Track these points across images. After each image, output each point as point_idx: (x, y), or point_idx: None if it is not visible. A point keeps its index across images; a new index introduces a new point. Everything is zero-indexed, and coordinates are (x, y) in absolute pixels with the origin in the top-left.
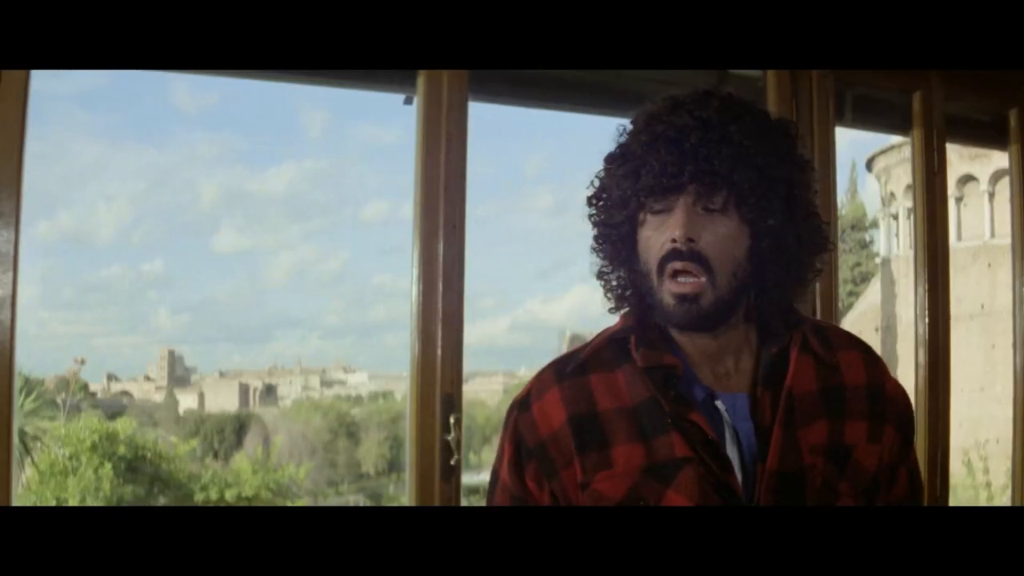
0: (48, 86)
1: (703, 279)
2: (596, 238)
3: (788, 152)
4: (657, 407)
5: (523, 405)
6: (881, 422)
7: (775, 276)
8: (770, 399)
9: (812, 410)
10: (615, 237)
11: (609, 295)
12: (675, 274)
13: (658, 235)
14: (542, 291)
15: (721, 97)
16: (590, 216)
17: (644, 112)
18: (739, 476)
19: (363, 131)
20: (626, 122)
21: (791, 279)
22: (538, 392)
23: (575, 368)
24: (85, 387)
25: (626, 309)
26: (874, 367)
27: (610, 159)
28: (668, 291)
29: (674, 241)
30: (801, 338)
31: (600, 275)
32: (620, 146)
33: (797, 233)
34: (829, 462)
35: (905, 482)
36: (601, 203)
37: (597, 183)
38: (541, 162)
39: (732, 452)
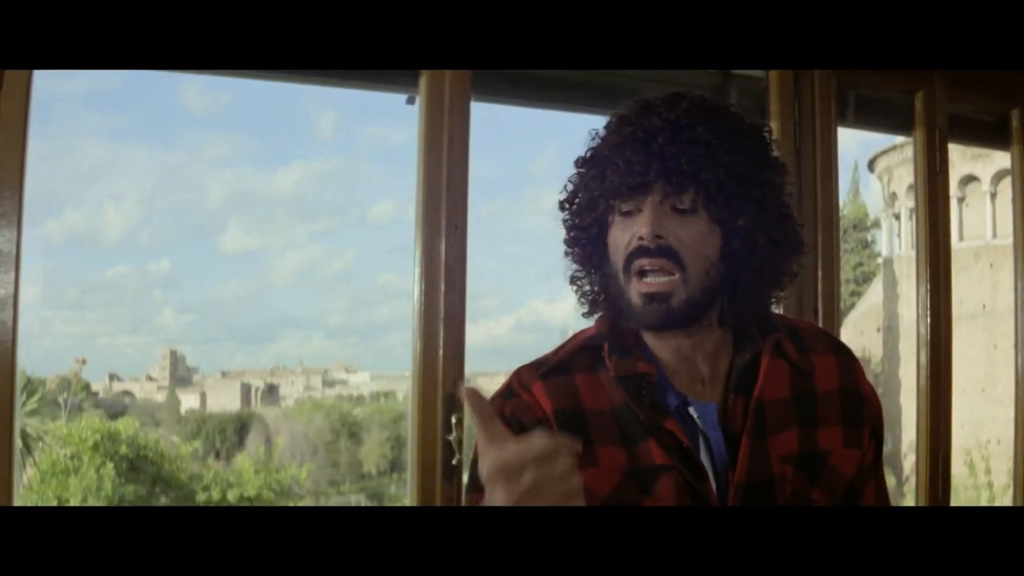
0: (58, 86)
1: (675, 276)
2: (567, 242)
3: (760, 153)
4: (633, 414)
5: (508, 393)
6: (859, 426)
7: (748, 277)
8: (741, 407)
9: (783, 418)
10: (585, 240)
11: (582, 300)
12: (643, 273)
13: (624, 233)
14: (546, 291)
15: (692, 99)
16: (563, 220)
17: (615, 115)
18: (713, 485)
19: (372, 132)
20: (599, 127)
21: (765, 281)
22: (521, 385)
23: (556, 367)
24: (87, 387)
25: (600, 314)
26: (849, 370)
27: (580, 162)
28: (636, 291)
29: (641, 239)
30: (775, 344)
31: (573, 280)
32: (590, 149)
33: (770, 234)
34: (799, 471)
35: (872, 497)
36: (572, 207)
37: (569, 187)
38: (547, 162)
39: (705, 461)
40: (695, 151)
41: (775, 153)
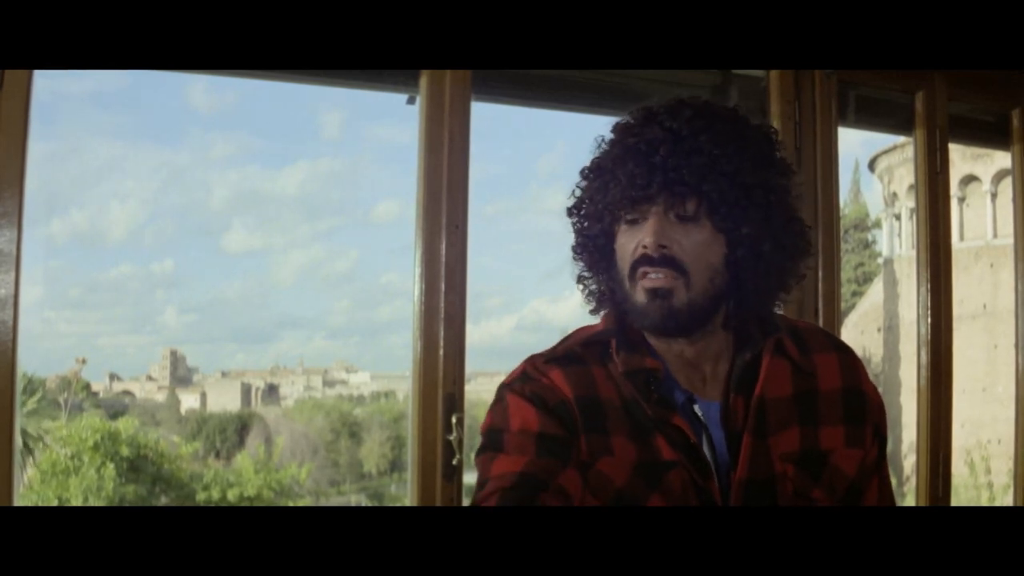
0: (64, 86)
1: (676, 278)
2: (575, 248)
3: (765, 157)
4: (641, 409)
5: (525, 378)
6: (860, 425)
7: (754, 284)
8: (742, 406)
9: (785, 416)
10: (592, 248)
11: (589, 298)
12: (646, 273)
13: (630, 242)
14: (549, 291)
15: (695, 106)
16: (572, 225)
17: (618, 125)
18: (716, 482)
19: (378, 132)
20: (604, 135)
21: (772, 286)
22: (537, 371)
23: (567, 357)
24: (87, 387)
25: (606, 312)
26: (851, 370)
27: (585, 172)
28: (640, 289)
29: (645, 247)
30: (776, 343)
31: (580, 279)
32: (595, 159)
33: (776, 239)
34: (801, 469)
35: (875, 494)
36: (580, 214)
37: (576, 193)
38: (552, 162)
39: (708, 458)
40: (697, 161)
41: (781, 155)
